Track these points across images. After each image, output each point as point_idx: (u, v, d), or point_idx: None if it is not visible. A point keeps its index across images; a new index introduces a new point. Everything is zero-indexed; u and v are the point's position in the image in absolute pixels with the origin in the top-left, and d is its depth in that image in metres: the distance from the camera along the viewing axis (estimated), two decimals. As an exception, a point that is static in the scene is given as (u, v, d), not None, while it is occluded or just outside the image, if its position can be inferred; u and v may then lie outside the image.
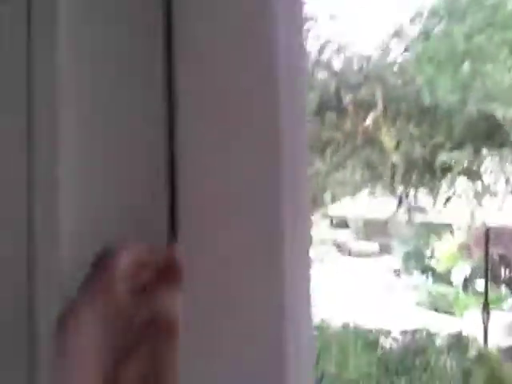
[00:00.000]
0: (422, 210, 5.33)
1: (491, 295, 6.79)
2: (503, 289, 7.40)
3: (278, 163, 0.59)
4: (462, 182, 5.18)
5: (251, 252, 0.59)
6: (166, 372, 0.44)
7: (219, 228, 0.59)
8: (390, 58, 5.40)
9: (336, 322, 6.03)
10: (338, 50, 5.11)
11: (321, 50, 5.10)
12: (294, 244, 0.63)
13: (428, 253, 8.55)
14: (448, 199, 5.12)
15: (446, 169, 4.92)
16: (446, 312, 7.22)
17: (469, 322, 6.61)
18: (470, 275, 7.81)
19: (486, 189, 5.14)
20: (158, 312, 0.44)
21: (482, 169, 5.13)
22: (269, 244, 0.59)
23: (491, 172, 5.20)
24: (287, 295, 0.60)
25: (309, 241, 0.71)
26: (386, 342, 5.52)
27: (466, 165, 4.99)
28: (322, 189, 5.68)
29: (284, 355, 0.58)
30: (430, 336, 5.59)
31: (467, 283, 7.83)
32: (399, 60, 5.43)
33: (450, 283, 8.04)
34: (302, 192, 0.66)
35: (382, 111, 4.86)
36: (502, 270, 7.32)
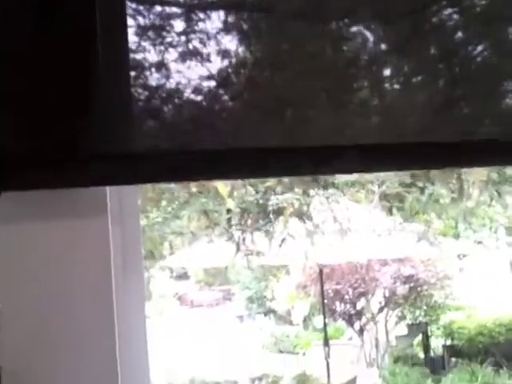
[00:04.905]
0: (259, 253, 5.42)
1: (330, 330, 7.05)
2: (340, 322, 7.72)
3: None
4: (293, 223, 5.35)
5: (81, 306, 0.61)
6: None
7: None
8: (219, 106, 5.51)
9: (183, 377, 5.86)
10: (167, 98, 5.10)
11: (149, 98, 5.04)
12: (127, 299, 0.63)
13: (268, 295, 8.72)
14: (282, 241, 5.26)
15: (279, 211, 5.07)
16: (289, 352, 7.36)
17: (312, 360, 6.77)
18: (309, 313, 8.06)
19: (317, 228, 5.36)
20: None
21: (311, 209, 5.36)
22: (99, 299, 0.60)
23: (319, 212, 5.44)
24: (121, 350, 0.60)
25: (143, 296, 0.70)
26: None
27: (296, 206, 5.18)
28: (158, 240, 5.57)
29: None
30: (277, 380, 5.62)
31: (307, 321, 8.07)
32: (227, 108, 5.57)
33: (291, 323, 8.24)
34: (134, 245, 0.69)
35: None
36: (337, 304, 7.65)
